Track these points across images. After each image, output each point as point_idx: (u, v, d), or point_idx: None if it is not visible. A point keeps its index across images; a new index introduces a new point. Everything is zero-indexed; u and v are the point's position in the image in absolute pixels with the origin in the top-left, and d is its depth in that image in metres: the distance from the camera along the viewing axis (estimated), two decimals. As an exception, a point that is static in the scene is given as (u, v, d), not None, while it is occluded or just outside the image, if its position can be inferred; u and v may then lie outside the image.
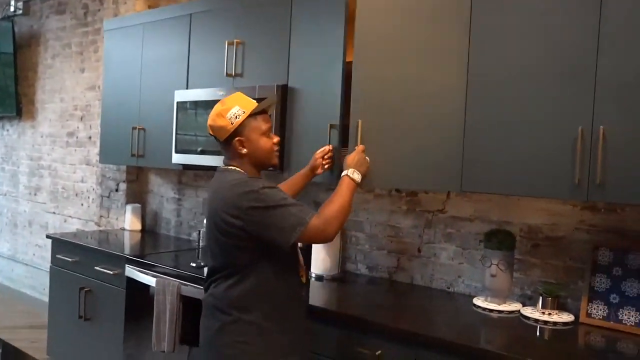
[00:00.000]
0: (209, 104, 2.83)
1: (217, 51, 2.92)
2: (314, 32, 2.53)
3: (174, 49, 3.19)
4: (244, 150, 1.84)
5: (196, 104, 2.96)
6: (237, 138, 1.83)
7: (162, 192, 3.91)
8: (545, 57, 1.93)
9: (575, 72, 1.87)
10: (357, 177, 1.97)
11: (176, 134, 3.07)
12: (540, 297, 2.15)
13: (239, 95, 1.89)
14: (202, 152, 2.91)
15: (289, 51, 2.62)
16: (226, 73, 2.86)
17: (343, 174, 1.97)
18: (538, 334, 1.99)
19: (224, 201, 1.76)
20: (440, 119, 2.15)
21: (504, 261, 2.20)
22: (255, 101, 1.87)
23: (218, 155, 2.82)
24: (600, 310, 2.07)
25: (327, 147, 2.30)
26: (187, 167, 3.16)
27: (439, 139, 2.15)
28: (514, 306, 2.21)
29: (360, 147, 2.13)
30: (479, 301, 2.28)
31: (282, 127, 2.63)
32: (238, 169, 1.85)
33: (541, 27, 1.94)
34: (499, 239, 2.21)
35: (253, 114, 1.83)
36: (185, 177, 3.74)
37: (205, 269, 1.97)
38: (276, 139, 1.91)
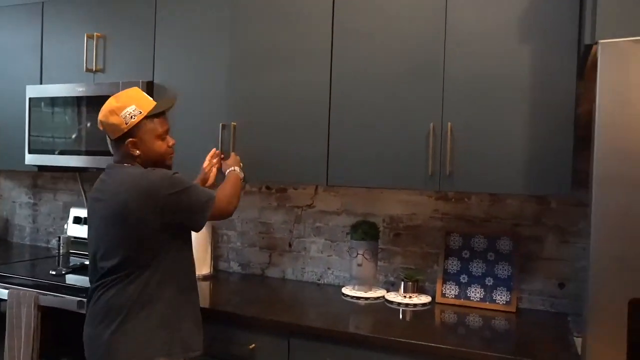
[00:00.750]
0: (68, 101, 2.66)
1: (75, 44, 2.76)
2: (184, 28, 2.50)
3: (25, 39, 2.94)
4: (137, 152, 1.78)
5: (53, 101, 2.76)
6: (130, 139, 1.76)
7: (13, 196, 3.58)
8: (399, 58, 2.10)
9: (425, 73, 2.06)
10: (240, 172, 2.10)
11: (29, 133, 2.83)
12: (402, 283, 2.33)
13: (137, 91, 1.81)
14: (62, 153, 2.72)
15: (154, 46, 2.56)
16: (86, 68, 2.71)
17: (227, 171, 2.10)
18: (400, 316, 2.15)
19: (135, 192, 1.69)
20: (307, 117, 2.25)
21: (369, 251, 2.34)
22: (153, 100, 1.81)
23: (80, 155, 2.66)
24: (453, 290, 2.29)
25: (211, 152, 2.29)
26: (43, 168, 2.92)
27: (306, 137, 2.25)
28: (379, 292, 2.37)
29: (234, 153, 2.27)
30: (347, 290, 2.40)
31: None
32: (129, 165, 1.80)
33: (396, 30, 2.11)
34: (364, 230, 2.35)
35: (150, 116, 1.77)
36: (42, 180, 3.46)
37: (89, 276, 1.87)
38: (172, 142, 1.87)
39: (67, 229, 3.17)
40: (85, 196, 3.24)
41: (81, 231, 3.09)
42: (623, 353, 1.29)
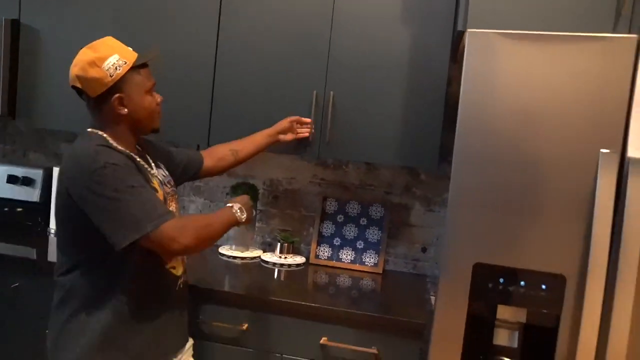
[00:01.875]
0: None
1: None
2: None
3: None
4: (124, 110, 1.52)
5: None
6: (116, 95, 1.49)
7: None
8: (288, 29, 2.11)
9: (312, 46, 2.09)
10: (241, 215, 1.63)
11: None
12: (278, 244, 2.40)
13: (113, 41, 1.54)
14: None
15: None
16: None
17: (228, 204, 1.65)
18: (276, 274, 2.22)
19: (64, 174, 1.45)
20: (191, 78, 2.20)
21: (247, 212, 2.37)
22: (132, 50, 1.55)
23: None
24: (326, 252, 2.41)
25: (308, 119, 2.09)
26: None
27: (190, 98, 2.20)
28: (256, 253, 2.42)
29: (246, 197, 1.77)
30: (224, 249, 2.43)
31: (14, 73, 2.35)
32: (101, 133, 1.51)
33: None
34: (243, 191, 2.37)
35: (135, 67, 1.52)
36: None
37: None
38: (160, 99, 1.62)
39: None
40: None
41: None
42: (464, 308, 1.46)
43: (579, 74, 1.40)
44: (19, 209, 2.66)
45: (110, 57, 1.48)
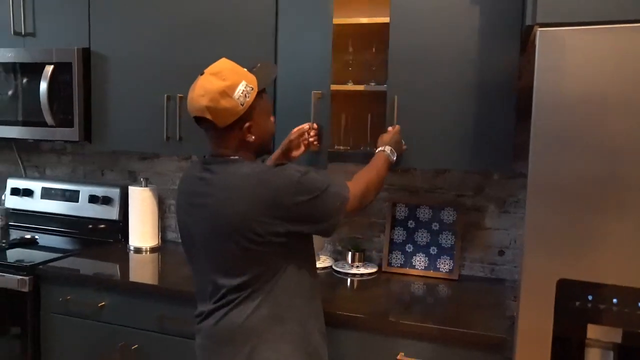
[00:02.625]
0: (-3, 68, 2.51)
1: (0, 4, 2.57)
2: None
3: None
4: (252, 138, 1.49)
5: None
6: (247, 123, 1.46)
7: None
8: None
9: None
10: (393, 156, 1.77)
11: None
12: (349, 252, 2.37)
13: (232, 64, 1.49)
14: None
15: (89, 9, 2.42)
16: (14, 31, 2.54)
17: (378, 150, 1.77)
18: (348, 284, 2.20)
19: (256, 202, 1.40)
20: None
21: (316, 222, 2.36)
22: (248, 71, 1.50)
23: (15, 125, 2.53)
24: (399, 259, 2.36)
25: (306, 125, 1.90)
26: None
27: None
28: (327, 262, 2.40)
29: (397, 127, 1.90)
30: (295, 260, 2.42)
31: (87, 99, 2.45)
32: (241, 158, 1.50)
33: None
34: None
35: (260, 91, 1.48)
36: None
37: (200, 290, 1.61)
38: (273, 120, 1.61)
39: (4, 200, 3.04)
40: (23, 165, 3.11)
41: (21, 203, 2.97)
42: (549, 328, 1.37)
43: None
44: (100, 226, 2.79)
45: (239, 84, 1.42)
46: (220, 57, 1.53)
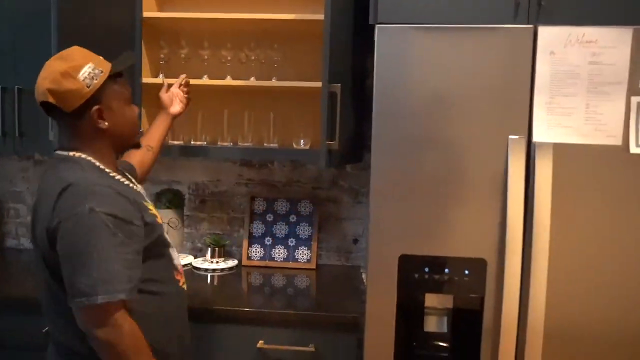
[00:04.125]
0: None
1: None
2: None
3: None
4: (105, 124, 1.36)
5: None
6: (95, 107, 1.34)
7: None
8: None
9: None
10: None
11: None
12: (209, 248, 2.36)
13: (83, 50, 1.38)
14: None
15: None
16: None
17: None
18: (208, 281, 2.18)
19: (49, 213, 1.27)
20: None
21: (174, 218, 2.31)
22: (104, 59, 1.40)
23: None
24: (258, 252, 2.39)
25: (182, 75, 1.99)
26: None
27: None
28: (187, 259, 2.37)
29: None
30: (153, 260, 2.35)
31: None
32: (86, 157, 1.36)
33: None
34: (168, 198, 2.31)
35: (112, 76, 1.37)
36: None
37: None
38: (137, 110, 1.47)
39: None
40: None
41: None
42: (394, 299, 1.49)
43: (484, 63, 1.46)
44: None
45: (85, 66, 1.33)
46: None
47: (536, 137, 1.42)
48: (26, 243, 2.59)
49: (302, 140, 2.23)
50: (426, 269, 1.48)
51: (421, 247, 1.48)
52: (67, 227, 1.23)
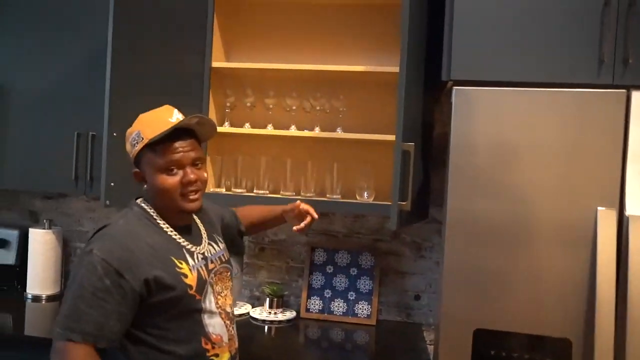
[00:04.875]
0: None
1: None
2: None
3: None
4: (144, 186, 1.44)
5: None
6: (134, 170, 1.44)
7: None
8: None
9: None
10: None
11: None
12: (267, 298, 2.32)
13: (152, 113, 1.43)
14: None
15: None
16: None
17: None
18: (265, 331, 2.13)
19: None
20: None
21: (235, 266, 2.29)
22: (171, 122, 1.38)
23: None
24: (317, 304, 2.33)
25: (316, 216, 1.78)
26: None
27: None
28: (244, 308, 2.33)
29: None
30: (211, 307, 2.33)
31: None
32: (142, 203, 1.46)
33: None
34: (229, 247, 2.29)
35: (152, 144, 1.38)
36: None
37: None
38: (189, 177, 1.39)
39: None
40: None
41: None
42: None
43: (569, 126, 1.37)
44: (-7, 272, 2.54)
45: (134, 132, 1.41)
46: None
47: (629, 210, 1.31)
48: (88, 282, 2.62)
49: (365, 193, 2.17)
50: (503, 346, 1.37)
51: (499, 322, 1.38)
52: (74, 264, 1.38)
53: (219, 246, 1.56)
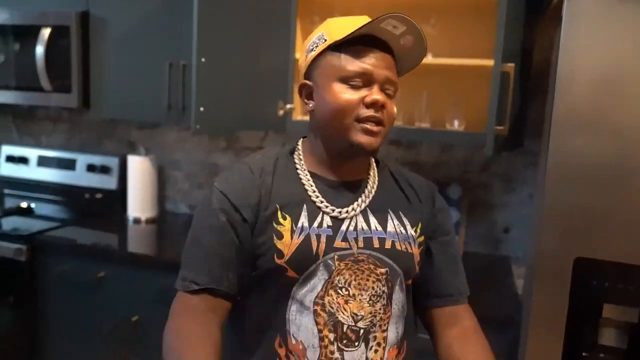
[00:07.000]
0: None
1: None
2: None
3: None
4: (310, 105, 1.09)
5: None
6: (302, 82, 1.11)
7: None
8: None
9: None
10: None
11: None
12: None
13: (343, 18, 1.08)
14: None
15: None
16: (7, -8, 2.44)
17: None
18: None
19: None
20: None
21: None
22: (364, 19, 1.05)
23: (9, 90, 2.45)
24: (402, 234, 2.33)
25: None
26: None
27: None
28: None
29: None
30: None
31: (85, 64, 2.37)
32: (296, 147, 1.15)
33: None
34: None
35: (338, 46, 1.04)
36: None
37: None
38: (373, 97, 1.01)
39: (-2, 168, 2.97)
40: (18, 132, 3.02)
41: (16, 171, 2.90)
42: (565, 307, 1.34)
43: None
44: (98, 196, 2.73)
45: (315, 36, 1.07)
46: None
47: None
48: (182, 208, 2.77)
49: (455, 121, 2.09)
50: (606, 276, 1.30)
51: (601, 250, 1.31)
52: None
53: (394, 228, 1.11)
